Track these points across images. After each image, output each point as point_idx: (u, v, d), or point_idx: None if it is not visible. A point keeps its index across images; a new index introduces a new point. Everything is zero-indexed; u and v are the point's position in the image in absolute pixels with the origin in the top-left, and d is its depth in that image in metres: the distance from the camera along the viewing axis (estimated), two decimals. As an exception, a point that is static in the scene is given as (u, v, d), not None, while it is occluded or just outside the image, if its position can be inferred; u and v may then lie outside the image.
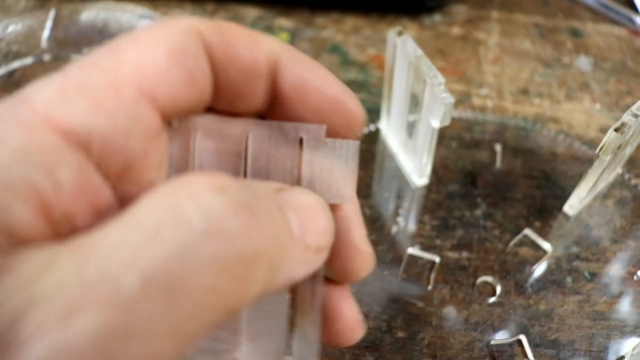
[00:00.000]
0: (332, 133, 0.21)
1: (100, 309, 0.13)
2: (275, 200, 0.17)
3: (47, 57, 0.52)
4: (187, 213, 0.14)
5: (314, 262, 0.18)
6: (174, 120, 0.19)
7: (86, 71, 0.16)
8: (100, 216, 0.16)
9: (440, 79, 0.34)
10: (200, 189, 0.15)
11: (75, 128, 0.15)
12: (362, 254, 0.22)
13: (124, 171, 0.17)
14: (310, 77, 0.20)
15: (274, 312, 0.21)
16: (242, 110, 0.21)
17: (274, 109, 0.21)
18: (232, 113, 0.21)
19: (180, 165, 0.21)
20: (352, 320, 0.22)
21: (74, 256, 0.14)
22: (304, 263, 0.18)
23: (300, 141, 0.21)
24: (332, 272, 0.22)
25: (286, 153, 0.21)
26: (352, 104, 0.21)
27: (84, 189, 0.16)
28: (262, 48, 0.19)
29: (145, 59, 0.17)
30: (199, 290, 0.14)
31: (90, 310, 0.13)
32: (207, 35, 0.18)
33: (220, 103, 0.20)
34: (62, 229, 0.15)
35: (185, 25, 0.18)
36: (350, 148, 0.21)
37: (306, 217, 0.18)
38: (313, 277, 0.21)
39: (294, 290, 0.21)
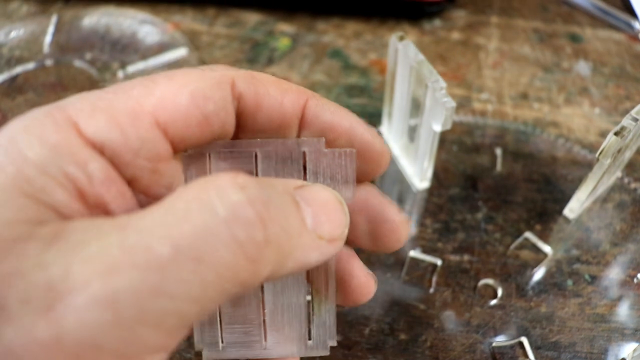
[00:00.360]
0: (360, 172, 0.24)
1: (137, 269, 0.15)
2: (291, 195, 0.20)
3: (49, 62, 0.52)
4: (213, 203, 0.17)
5: (327, 250, 0.20)
6: (189, 150, 0.22)
7: (118, 95, 0.19)
8: (129, 205, 0.20)
9: (442, 83, 0.34)
10: (225, 185, 0.17)
11: (93, 138, 0.18)
12: (404, 223, 0.25)
13: (132, 182, 0.20)
14: (338, 122, 0.23)
15: (294, 304, 0.24)
16: None
17: None
18: None
19: None
20: (364, 276, 0.25)
21: (117, 230, 0.16)
22: (316, 251, 0.20)
23: (304, 154, 0.23)
24: (377, 245, 0.25)
25: (292, 166, 0.23)
26: (379, 146, 0.24)
27: (112, 180, 0.19)
28: (291, 99, 0.22)
29: (169, 96, 0.20)
30: (218, 264, 0.16)
31: (128, 269, 0.15)
32: (239, 83, 0.21)
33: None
34: (97, 213, 0.19)
35: (220, 74, 0.21)
36: (348, 156, 0.23)
37: (321, 210, 0.20)
38: (326, 270, 0.24)
39: (311, 282, 0.24)
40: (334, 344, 0.24)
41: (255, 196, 0.17)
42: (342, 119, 0.23)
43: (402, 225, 0.24)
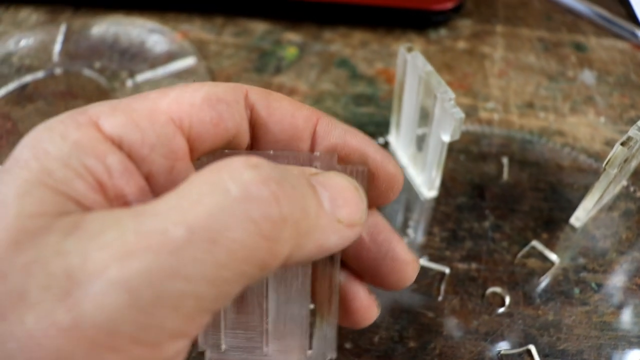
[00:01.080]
0: (373, 192, 0.24)
1: (152, 253, 0.16)
2: (307, 179, 0.20)
3: (58, 71, 0.53)
4: (225, 183, 0.17)
5: (346, 235, 0.20)
6: (202, 157, 0.22)
7: (136, 99, 0.20)
8: (147, 199, 0.20)
9: (451, 94, 0.34)
10: (238, 166, 0.18)
11: (111, 133, 0.19)
12: (412, 263, 0.25)
13: (149, 179, 0.20)
14: (350, 139, 0.24)
15: (297, 315, 0.24)
16: None
17: None
18: None
19: None
20: (367, 298, 0.25)
21: (133, 217, 0.17)
22: (335, 234, 0.20)
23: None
24: (382, 282, 0.25)
25: None
26: (392, 167, 0.24)
27: (130, 173, 0.19)
28: (303, 114, 0.23)
29: (184, 97, 0.21)
30: (234, 244, 0.16)
31: (144, 253, 0.16)
32: (252, 95, 0.22)
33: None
34: (117, 205, 0.19)
35: (234, 84, 0.22)
36: (360, 174, 0.23)
37: (338, 194, 0.20)
38: (330, 286, 0.24)
39: (314, 296, 0.24)
40: (334, 356, 0.25)
41: (268, 174, 0.18)
42: (354, 137, 0.24)
43: (409, 266, 0.24)
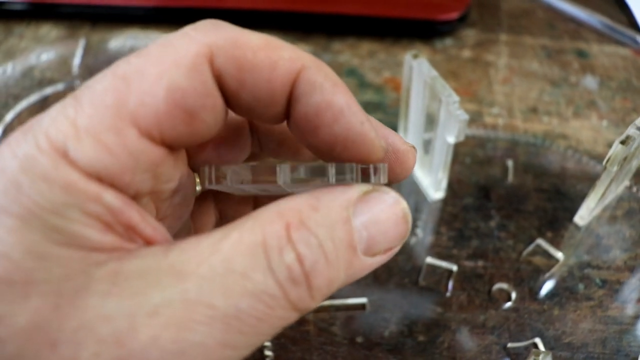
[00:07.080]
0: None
1: (202, 325, 0.17)
2: (347, 222, 0.19)
3: (78, 83, 0.54)
4: (271, 263, 0.18)
5: (379, 261, 0.21)
6: (204, 168, 0.22)
7: (95, 109, 0.18)
8: (145, 216, 0.19)
9: (455, 97, 0.36)
10: (281, 242, 0.18)
11: (89, 170, 0.17)
12: (411, 151, 0.24)
13: (136, 196, 0.19)
14: (324, 110, 0.20)
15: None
16: (261, 123, 0.24)
17: (292, 126, 0.21)
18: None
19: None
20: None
21: (175, 279, 0.17)
22: (367, 269, 0.20)
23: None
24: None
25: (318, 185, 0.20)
26: (369, 142, 0.21)
27: (127, 203, 0.19)
28: (281, 74, 0.19)
29: (145, 100, 0.18)
30: (275, 320, 0.18)
31: (194, 325, 0.17)
32: (219, 60, 0.19)
33: (239, 113, 0.22)
34: (129, 236, 0.19)
35: (196, 51, 0.19)
36: (381, 171, 0.21)
37: (379, 232, 0.20)
38: None
39: None
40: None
41: (309, 257, 0.18)
42: (334, 104, 0.20)
43: (409, 154, 0.23)
